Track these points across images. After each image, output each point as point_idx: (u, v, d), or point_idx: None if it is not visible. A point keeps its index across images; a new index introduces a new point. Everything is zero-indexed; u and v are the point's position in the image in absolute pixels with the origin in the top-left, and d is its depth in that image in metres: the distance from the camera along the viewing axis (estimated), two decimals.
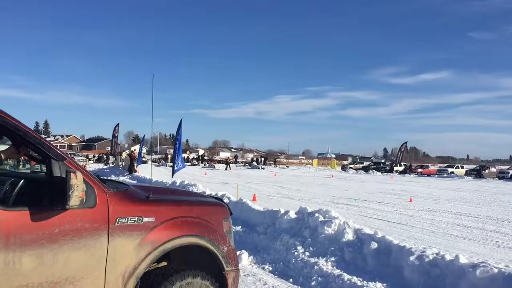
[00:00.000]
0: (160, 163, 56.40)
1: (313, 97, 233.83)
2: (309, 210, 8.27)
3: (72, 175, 2.56)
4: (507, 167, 56.12)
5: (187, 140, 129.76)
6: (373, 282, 5.48)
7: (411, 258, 5.68)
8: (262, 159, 75.10)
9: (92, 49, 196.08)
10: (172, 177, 20.41)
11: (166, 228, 3.20)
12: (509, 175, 46.22)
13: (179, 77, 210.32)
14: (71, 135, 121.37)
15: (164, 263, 3.55)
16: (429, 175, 51.91)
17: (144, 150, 44.94)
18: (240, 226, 9.19)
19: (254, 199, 15.35)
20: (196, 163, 66.60)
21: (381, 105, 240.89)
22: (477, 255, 7.78)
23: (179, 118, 23.32)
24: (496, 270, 4.85)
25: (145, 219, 3.09)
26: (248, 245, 7.95)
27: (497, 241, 9.75)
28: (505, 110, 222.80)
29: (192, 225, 3.43)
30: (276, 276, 6.33)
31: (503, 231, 11.18)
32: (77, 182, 2.57)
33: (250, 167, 60.63)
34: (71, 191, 2.54)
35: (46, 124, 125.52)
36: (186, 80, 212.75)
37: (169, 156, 60.14)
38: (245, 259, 7.02)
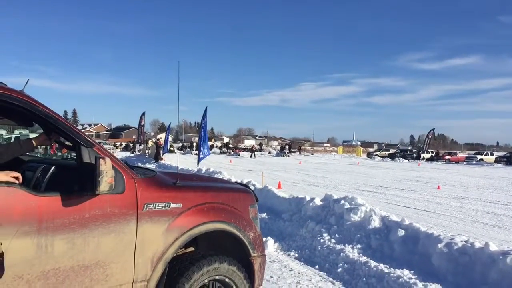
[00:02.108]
0: (186, 151, 56.92)
1: (338, 84, 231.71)
2: (335, 197, 8.23)
3: (101, 161, 2.60)
4: None
5: (212, 128, 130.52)
6: (400, 269, 5.43)
7: (439, 245, 5.60)
8: (287, 146, 74.99)
9: (120, 38, 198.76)
10: (198, 164, 20.57)
11: (193, 214, 3.23)
12: None
13: (203, 65, 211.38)
14: (98, 124, 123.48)
15: (191, 249, 3.60)
16: (457, 162, 50.94)
17: (170, 138, 45.35)
18: (265, 213, 9.22)
19: (279, 187, 15.36)
20: (226, 150, 66.73)
21: (408, 92, 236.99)
22: (508, 243, 7.63)
23: (204, 106, 23.42)
24: None
25: (173, 205, 3.12)
26: (274, 232, 7.98)
27: None
28: None
29: (219, 211, 3.45)
30: (302, 263, 6.34)
31: None
32: (106, 168, 2.61)
33: (274, 154, 60.65)
34: (100, 177, 2.58)
35: (74, 113, 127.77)
36: (211, 68, 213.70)
37: (194, 144, 60.59)
38: (271, 245, 7.05)
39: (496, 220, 10.73)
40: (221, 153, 59.57)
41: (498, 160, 50.39)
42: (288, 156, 56.73)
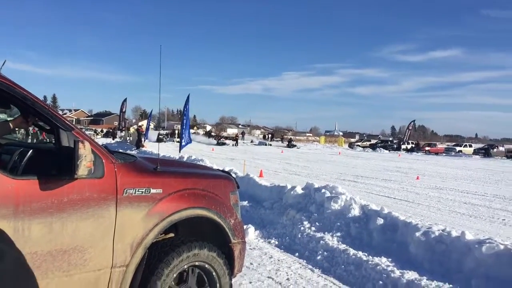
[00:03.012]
0: (167, 139, 56.59)
1: (322, 74, 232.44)
2: (316, 186, 8.28)
3: (80, 145, 2.56)
4: None
5: (194, 116, 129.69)
6: (378, 257, 5.50)
7: (417, 234, 5.69)
8: (270, 136, 75.04)
9: (102, 24, 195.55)
10: (180, 152, 20.46)
11: (173, 199, 3.22)
12: None
13: (187, 53, 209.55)
14: (79, 110, 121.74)
15: (171, 235, 3.59)
16: (436, 154, 51.65)
17: (151, 126, 45.02)
18: (247, 201, 9.24)
19: (261, 175, 15.39)
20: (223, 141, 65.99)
21: (390, 83, 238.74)
22: (483, 233, 7.79)
23: (187, 94, 23.26)
24: (502, 247, 4.85)
25: (153, 191, 3.10)
26: (255, 220, 8.01)
27: (504, 219, 9.75)
28: None
29: (199, 197, 3.44)
30: (282, 250, 6.39)
31: (510, 210, 11.18)
32: (85, 152, 2.57)
33: (257, 143, 60.64)
34: (79, 160, 2.55)
35: (54, 98, 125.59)
36: (194, 56, 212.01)
37: (176, 131, 60.21)
38: (252, 233, 7.08)
39: (472, 210, 10.94)
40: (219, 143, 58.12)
41: (476, 152, 51.27)
42: (271, 145, 56.82)
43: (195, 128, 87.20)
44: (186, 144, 20.64)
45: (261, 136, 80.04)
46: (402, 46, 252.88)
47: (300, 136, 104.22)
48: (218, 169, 4.48)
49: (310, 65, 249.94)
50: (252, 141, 67.15)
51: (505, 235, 7.93)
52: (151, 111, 46.59)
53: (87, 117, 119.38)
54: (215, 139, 60.60)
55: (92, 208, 2.77)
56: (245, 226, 6.74)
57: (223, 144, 48.86)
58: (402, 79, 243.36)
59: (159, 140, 37.46)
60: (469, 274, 4.79)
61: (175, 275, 3.20)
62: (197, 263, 3.33)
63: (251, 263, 5.61)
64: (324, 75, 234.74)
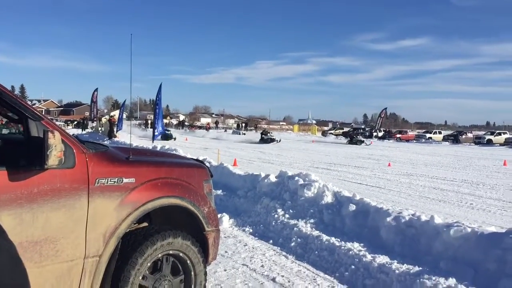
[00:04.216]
0: (141, 128, 55.96)
1: (295, 62, 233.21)
2: (289, 174, 8.35)
3: (50, 134, 2.52)
4: (483, 132, 57.26)
5: (167, 106, 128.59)
6: (351, 243, 5.61)
7: (388, 219, 5.82)
8: (243, 124, 75.01)
9: (71, 11, 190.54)
10: (153, 142, 20.29)
11: (146, 189, 3.21)
12: (485, 140, 47.27)
13: (159, 42, 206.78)
14: (48, 100, 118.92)
15: (145, 224, 3.58)
16: (407, 141, 52.63)
17: (124, 116, 44.34)
18: (221, 190, 9.26)
19: (235, 164, 15.43)
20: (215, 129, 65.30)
21: (362, 72, 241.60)
22: (452, 217, 8.01)
23: (159, 83, 22.92)
24: (469, 230, 5.00)
25: (125, 180, 3.08)
26: (229, 208, 8.04)
27: (472, 203, 10.04)
28: (483, 76, 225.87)
29: (173, 186, 3.44)
30: (256, 238, 6.44)
31: (478, 194, 11.51)
32: (55, 141, 2.53)
33: (231, 132, 60.54)
34: (49, 150, 2.51)
35: (22, 89, 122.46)
36: (166, 45, 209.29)
37: (149, 121, 59.57)
38: (226, 221, 7.11)
39: (441, 195, 11.23)
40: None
41: (445, 139, 52.50)
42: (245, 134, 56.81)
43: (168, 118, 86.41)
44: (160, 133, 20.47)
45: (235, 125, 79.89)
46: (374, 35, 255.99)
47: (273, 125, 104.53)
48: (192, 158, 4.47)
49: (283, 54, 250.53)
50: (225, 130, 67.05)
51: (473, 218, 8.19)
52: (124, 101, 45.86)
53: (57, 107, 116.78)
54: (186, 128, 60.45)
55: (63, 198, 2.74)
56: (219, 215, 6.79)
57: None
58: (374, 67, 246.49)
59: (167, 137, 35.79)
60: (437, 256, 4.94)
61: (149, 264, 3.20)
62: (171, 252, 3.33)
63: (226, 251, 5.65)
64: (297, 63, 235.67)
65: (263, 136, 38.64)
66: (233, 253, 5.63)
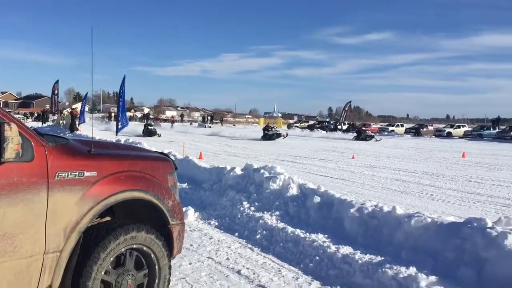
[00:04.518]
0: (104, 121, 54.91)
1: (260, 56, 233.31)
2: (255, 166, 8.38)
3: (6, 127, 2.43)
4: (443, 125, 59.00)
5: (131, 99, 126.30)
6: (315, 234, 5.68)
7: (352, 210, 5.92)
8: (209, 117, 74.65)
9: (32, 2, 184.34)
10: (116, 135, 19.94)
11: (108, 182, 3.15)
12: (445, 133, 48.66)
13: (122, 33, 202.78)
14: (6, 92, 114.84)
15: (107, 218, 3.52)
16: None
17: (86, 108, 43.31)
18: (186, 183, 9.20)
19: (200, 157, 15.34)
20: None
21: (327, 65, 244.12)
22: (413, 207, 8.22)
23: (123, 75, 22.48)
24: (429, 220, 5.14)
25: (87, 174, 3.01)
26: (195, 202, 8.00)
27: (432, 194, 10.33)
28: (443, 71, 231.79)
29: (136, 180, 3.39)
30: (222, 231, 6.44)
31: (438, 185, 11.84)
32: (11, 134, 2.45)
33: (196, 125, 60.17)
34: (5, 143, 2.43)
35: None
36: (130, 36, 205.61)
37: (112, 114, 58.45)
38: (191, 215, 7.08)
39: (403, 186, 11.51)
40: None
41: (407, 131, 53.80)
42: (210, 127, 56.56)
43: (132, 110, 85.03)
44: (123, 126, 20.14)
45: (200, 118, 79.42)
46: (339, 28, 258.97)
47: (239, 118, 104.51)
48: (156, 151, 4.42)
49: (249, 47, 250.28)
50: (191, 123, 66.61)
51: (433, 209, 8.42)
52: (86, 93, 44.76)
53: (16, 100, 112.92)
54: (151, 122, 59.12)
55: (21, 193, 2.65)
56: (184, 208, 6.72)
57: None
58: (339, 61, 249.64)
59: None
60: (399, 246, 5.06)
61: (112, 259, 3.14)
62: (135, 246, 3.29)
63: (191, 245, 5.62)
64: (263, 57, 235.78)
65: (266, 132, 32.81)
66: (198, 246, 5.61)
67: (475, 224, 4.69)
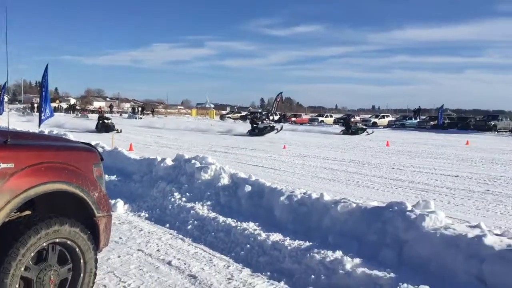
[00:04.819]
0: (25, 113, 52.06)
1: (192, 46, 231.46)
2: (186, 157, 8.30)
3: None
4: (369, 115, 61.55)
5: (56, 89, 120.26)
6: (246, 223, 5.74)
7: (282, 198, 6.04)
8: (140, 108, 72.83)
9: None
10: (39, 126, 18.94)
11: (28, 174, 2.98)
12: (371, 123, 50.82)
13: (46, 19, 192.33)
14: None
15: (28, 212, 3.34)
16: (302, 124, 54.82)
17: (6, 99, 40.71)
18: (115, 176, 8.95)
19: (130, 149, 14.98)
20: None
21: (259, 56, 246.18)
22: (340, 194, 8.50)
23: (46, 64, 21.24)
24: (354, 205, 5.36)
25: (2, 165, 2.84)
26: (124, 194, 7.79)
27: (358, 181, 10.75)
28: (369, 63, 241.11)
29: (59, 171, 3.24)
30: (152, 223, 6.34)
31: (363, 173, 12.34)
32: None
33: (126, 117, 58.54)
34: None
35: None
36: (54, 23, 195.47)
37: (35, 105, 55.47)
38: (121, 207, 6.90)
39: (332, 174, 11.89)
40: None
41: (336, 122, 55.49)
42: (141, 118, 55.28)
43: (57, 101, 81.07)
44: (47, 117, 19.18)
45: (130, 109, 77.32)
46: (269, 20, 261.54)
47: (171, 109, 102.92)
48: (81, 142, 4.24)
49: (181, 37, 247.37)
50: (121, 114, 64.72)
51: (359, 195, 8.77)
52: (5, 83, 42.03)
53: None
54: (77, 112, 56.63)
55: None
56: (113, 201, 6.59)
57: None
58: (270, 52, 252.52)
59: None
60: (326, 231, 5.23)
61: (32, 254, 2.99)
62: (57, 240, 3.15)
63: (120, 238, 5.49)
64: (195, 47, 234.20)
65: (255, 125, 27.58)
66: (127, 239, 5.48)
67: (396, 208, 4.95)
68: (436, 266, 4.20)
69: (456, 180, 11.18)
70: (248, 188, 6.67)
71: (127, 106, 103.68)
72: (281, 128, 28.34)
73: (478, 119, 47.05)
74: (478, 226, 4.49)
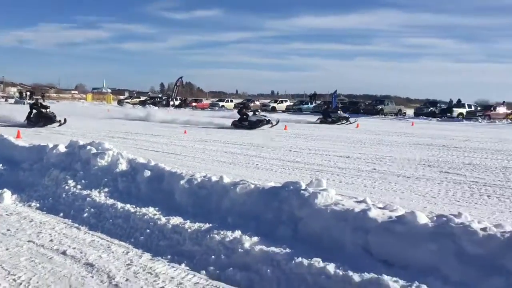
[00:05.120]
0: None
1: (86, 27, 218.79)
2: (81, 143, 7.95)
3: None
4: (269, 100, 63.15)
5: None
6: (146, 208, 5.67)
7: (182, 182, 6.04)
8: (28, 93, 67.71)
9: None
10: None
11: None
12: (270, 107, 52.29)
13: None
14: None
15: None
16: (203, 109, 54.75)
17: None
18: (1, 165, 8.33)
19: (18, 136, 13.99)
20: None
21: (158, 40, 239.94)
22: (240, 177, 8.66)
23: None
24: (252, 186, 5.53)
25: None
26: (11, 184, 7.26)
27: (257, 164, 11.04)
28: (267, 49, 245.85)
29: None
30: (45, 212, 6.02)
31: (263, 156, 12.68)
32: None
33: (13, 102, 54.21)
34: None
35: None
36: None
37: None
38: (8, 198, 6.47)
39: (232, 158, 12.07)
40: None
41: (236, 107, 56.17)
42: (30, 103, 51.47)
43: None
44: None
45: (17, 93, 71.61)
46: (168, 3, 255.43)
47: (64, 93, 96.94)
48: None
49: (72, 17, 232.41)
50: (6, 99, 59.82)
51: (258, 177, 9.01)
52: None
53: None
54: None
55: None
56: None
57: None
58: (169, 36, 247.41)
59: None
60: (226, 212, 5.35)
61: None
62: None
63: (8, 229, 5.17)
64: (89, 28, 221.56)
65: (245, 116, 23.38)
66: (16, 231, 5.16)
67: (291, 187, 5.19)
68: (328, 240, 4.49)
69: (347, 161, 11.92)
70: (147, 173, 6.57)
71: (13, 90, 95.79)
72: (278, 122, 23.63)
73: (367, 103, 50.36)
74: (364, 201, 4.87)
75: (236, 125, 23.21)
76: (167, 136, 17.62)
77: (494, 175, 9.95)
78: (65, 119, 20.95)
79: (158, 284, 3.88)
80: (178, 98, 62.25)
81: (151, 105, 55.51)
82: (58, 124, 20.65)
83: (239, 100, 66.80)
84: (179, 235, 4.89)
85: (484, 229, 3.79)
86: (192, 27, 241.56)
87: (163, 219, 5.25)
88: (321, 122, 28.76)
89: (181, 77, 65.37)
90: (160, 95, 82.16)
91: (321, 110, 35.18)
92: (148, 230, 5.11)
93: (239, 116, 23.82)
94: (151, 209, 5.66)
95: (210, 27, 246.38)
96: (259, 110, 27.00)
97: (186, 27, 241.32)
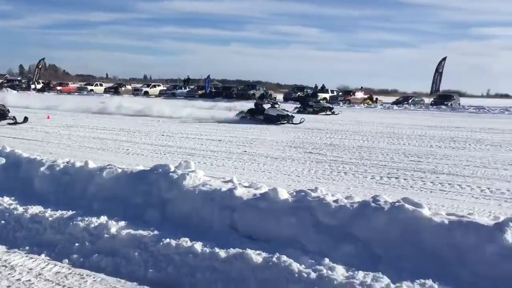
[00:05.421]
0: None
1: None
2: None
3: None
4: (141, 85, 61.43)
5: None
6: (1, 197, 5.23)
7: (42, 168, 5.67)
8: None
9: None
10: None
11: None
12: (143, 92, 50.97)
13: None
14: None
15: None
16: (69, 93, 51.38)
17: None
18: None
19: None
20: None
21: (14, 17, 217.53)
22: (108, 162, 8.35)
23: None
24: (120, 170, 5.40)
25: None
26: None
27: (128, 149, 10.76)
28: (139, 31, 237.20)
29: None
30: None
31: (134, 141, 12.39)
32: None
33: None
34: None
35: None
36: None
37: None
38: None
39: (101, 144, 11.60)
40: None
41: (107, 91, 53.72)
42: None
43: None
44: None
45: None
46: None
47: None
48: None
49: None
50: None
51: (128, 162, 8.76)
52: None
53: None
54: None
55: None
56: None
57: None
58: (27, 13, 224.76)
59: None
60: (91, 198, 5.15)
61: None
62: None
63: None
64: None
65: (261, 108, 19.43)
66: None
67: (160, 170, 5.17)
68: (196, 220, 4.58)
69: (219, 144, 12.15)
70: (1, 160, 6.06)
71: None
72: (301, 121, 18.73)
73: (240, 88, 51.44)
74: (231, 180, 5.03)
75: (247, 117, 19.30)
76: (28, 122, 16.24)
77: (351, 154, 10.90)
78: (26, 118, 16.24)
79: (14, 276, 3.63)
80: (40, 81, 57.56)
81: (9, 89, 50.63)
82: (13, 122, 15.67)
83: (110, 84, 63.83)
84: (39, 224, 4.59)
85: (336, 201, 4.17)
86: (57, 5, 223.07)
87: (20, 209, 4.88)
88: (298, 112, 23.92)
89: (43, 59, 60.34)
90: (19, 78, 75.26)
91: (298, 98, 32.30)
92: (3, 221, 4.72)
93: (252, 107, 19.86)
94: (6, 198, 5.24)
95: (78, 6, 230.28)
96: (278, 103, 21.98)
97: (49, 4, 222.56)
